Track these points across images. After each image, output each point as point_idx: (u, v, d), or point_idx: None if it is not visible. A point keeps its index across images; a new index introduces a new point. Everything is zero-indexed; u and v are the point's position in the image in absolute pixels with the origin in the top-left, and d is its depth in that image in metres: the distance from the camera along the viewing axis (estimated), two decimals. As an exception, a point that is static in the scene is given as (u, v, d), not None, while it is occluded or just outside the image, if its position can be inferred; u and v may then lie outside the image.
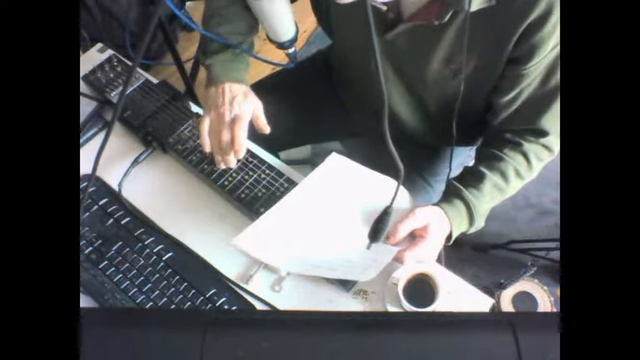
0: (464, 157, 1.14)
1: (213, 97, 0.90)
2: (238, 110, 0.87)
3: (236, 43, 0.93)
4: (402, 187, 0.85)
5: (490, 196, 0.87)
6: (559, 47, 0.76)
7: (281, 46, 0.84)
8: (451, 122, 0.86)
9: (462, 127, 0.87)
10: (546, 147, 0.88)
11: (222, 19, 0.93)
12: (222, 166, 0.89)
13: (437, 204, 0.85)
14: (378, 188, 0.85)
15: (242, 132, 0.87)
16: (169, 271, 0.83)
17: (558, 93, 0.81)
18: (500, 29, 0.76)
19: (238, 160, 0.90)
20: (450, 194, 0.87)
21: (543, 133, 0.86)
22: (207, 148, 0.88)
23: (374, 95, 1.00)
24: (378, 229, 0.71)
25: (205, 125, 0.88)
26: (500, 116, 0.87)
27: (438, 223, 0.82)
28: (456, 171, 1.13)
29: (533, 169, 0.89)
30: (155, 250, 0.84)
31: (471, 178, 0.88)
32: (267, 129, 0.91)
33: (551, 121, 0.85)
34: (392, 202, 0.64)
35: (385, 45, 0.84)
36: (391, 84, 0.92)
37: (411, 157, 1.09)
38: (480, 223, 0.87)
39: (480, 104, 0.93)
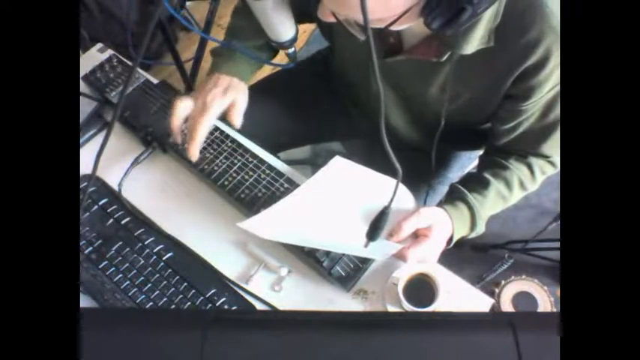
0: (464, 158, 1.14)
1: (204, 83, 0.92)
2: (208, 102, 0.88)
3: (235, 43, 0.94)
4: (405, 188, 0.85)
5: (493, 202, 0.87)
6: (558, 88, 0.76)
7: (281, 46, 0.84)
8: (449, 133, 0.86)
9: (460, 137, 0.88)
10: (551, 162, 0.89)
11: (243, 15, 0.98)
12: (191, 156, 0.89)
13: (441, 206, 0.85)
14: (381, 190, 0.85)
15: (202, 124, 0.86)
16: (169, 271, 0.83)
17: (558, 125, 0.82)
18: (497, 69, 0.76)
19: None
20: (454, 197, 0.87)
21: (545, 156, 0.88)
22: (175, 128, 0.88)
23: (371, 100, 1.00)
24: (375, 228, 0.71)
25: (179, 110, 0.88)
26: (502, 140, 0.88)
27: (441, 224, 0.82)
28: (457, 172, 1.13)
29: (536, 181, 0.90)
30: (155, 250, 0.84)
31: (476, 183, 0.88)
32: (236, 123, 0.90)
33: (552, 147, 0.86)
34: (390, 203, 0.64)
35: (384, 65, 0.84)
36: (389, 98, 0.93)
37: (411, 161, 1.09)
38: (480, 229, 0.87)
39: (478, 122, 0.94)
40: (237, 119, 0.91)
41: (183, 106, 0.88)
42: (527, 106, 0.79)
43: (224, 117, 0.92)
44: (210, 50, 0.98)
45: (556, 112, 0.80)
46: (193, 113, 0.89)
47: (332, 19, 0.67)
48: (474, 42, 0.72)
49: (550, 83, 0.75)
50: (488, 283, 1.50)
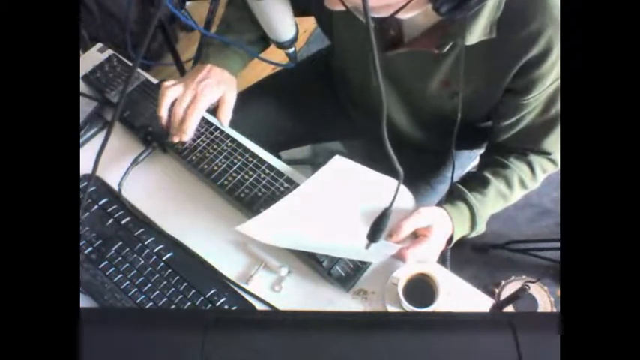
0: (464, 158, 1.14)
1: (193, 71, 0.93)
2: (198, 92, 0.88)
3: (234, 40, 0.94)
4: (405, 188, 0.85)
5: (493, 202, 0.87)
6: (559, 81, 0.76)
7: (281, 46, 0.84)
8: (449, 130, 0.86)
9: (460, 136, 0.88)
10: (551, 160, 0.88)
11: (236, 9, 0.96)
12: (175, 140, 0.89)
13: (441, 205, 0.85)
14: (381, 190, 0.85)
15: (194, 114, 0.87)
16: (169, 271, 0.83)
17: (559, 120, 0.82)
18: (499, 62, 0.76)
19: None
20: (455, 197, 0.87)
21: (546, 153, 0.87)
22: (163, 114, 0.89)
23: (371, 98, 1.00)
24: (377, 229, 0.71)
25: (169, 93, 0.88)
26: (502, 137, 0.88)
27: (441, 224, 0.82)
28: (457, 172, 1.13)
29: (537, 180, 0.89)
30: (155, 250, 0.84)
31: (476, 183, 0.88)
32: (225, 121, 0.92)
33: (553, 143, 0.86)
34: (391, 204, 0.64)
35: (385, 59, 0.84)
36: (389, 94, 0.93)
37: (411, 160, 1.10)
38: (481, 228, 0.87)
39: (479, 119, 0.93)
40: (227, 117, 0.92)
41: (172, 90, 0.89)
42: (528, 100, 0.79)
43: (213, 112, 0.93)
44: (203, 40, 0.99)
45: (557, 107, 0.80)
46: (184, 101, 0.88)
47: (340, 7, 0.67)
48: (476, 33, 0.72)
49: (552, 76, 0.75)
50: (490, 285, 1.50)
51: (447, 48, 0.75)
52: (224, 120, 0.92)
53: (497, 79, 0.79)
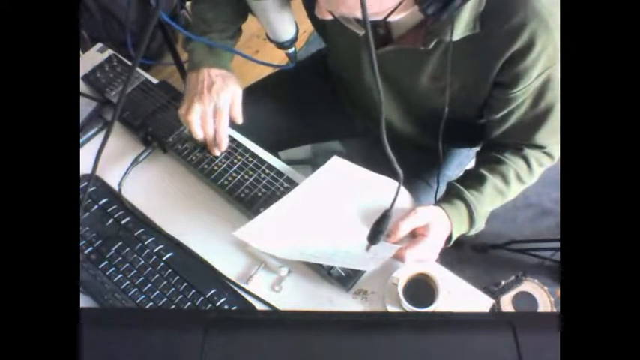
0: (462, 156, 1.14)
1: (193, 82, 0.92)
2: (217, 99, 0.89)
3: (221, 30, 0.94)
4: (403, 188, 0.85)
5: (491, 198, 0.87)
6: (546, 74, 0.77)
7: (281, 46, 0.84)
8: (444, 130, 0.86)
9: (455, 133, 0.88)
10: (547, 153, 0.89)
11: (209, 4, 0.95)
12: (217, 153, 0.91)
13: (438, 204, 0.85)
14: (379, 190, 0.85)
15: (224, 125, 0.89)
16: (169, 271, 0.83)
17: (550, 113, 0.83)
18: (484, 56, 0.77)
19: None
20: (452, 195, 0.87)
21: (540, 147, 0.88)
22: (201, 136, 0.89)
23: (366, 97, 1.01)
24: (377, 231, 0.71)
25: (194, 115, 0.88)
26: (495, 132, 0.88)
27: (439, 222, 0.82)
28: (455, 171, 1.13)
29: (533, 174, 0.89)
30: (155, 250, 0.84)
31: (472, 180, 0.88)
32: (239, 119, 0.93)
33: (546, 136, 0.86)
34: (392, 206, 0.64)
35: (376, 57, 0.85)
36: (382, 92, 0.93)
37: (409, 159, 1.10)
38: (480, 225, 0.87)
39: (471, 114, 0.94)
40: (240, 114, 0.92)
41: (194, 114, 0.88)
42: (516, 94, 0.80)
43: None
44: (185, 47, 0.97)
45: (547, 101, 0.81)
46: (209, 117, 0.89)
47: (329, 17, 0.68)
48: (460, 29, 0.73)
49: (537, 69, 0.76)
50: (490, 284, 1.50)
51: (433, 44, 0.77)
52: (238, 118, 0.92)
53: (484, 72, 0.80)
